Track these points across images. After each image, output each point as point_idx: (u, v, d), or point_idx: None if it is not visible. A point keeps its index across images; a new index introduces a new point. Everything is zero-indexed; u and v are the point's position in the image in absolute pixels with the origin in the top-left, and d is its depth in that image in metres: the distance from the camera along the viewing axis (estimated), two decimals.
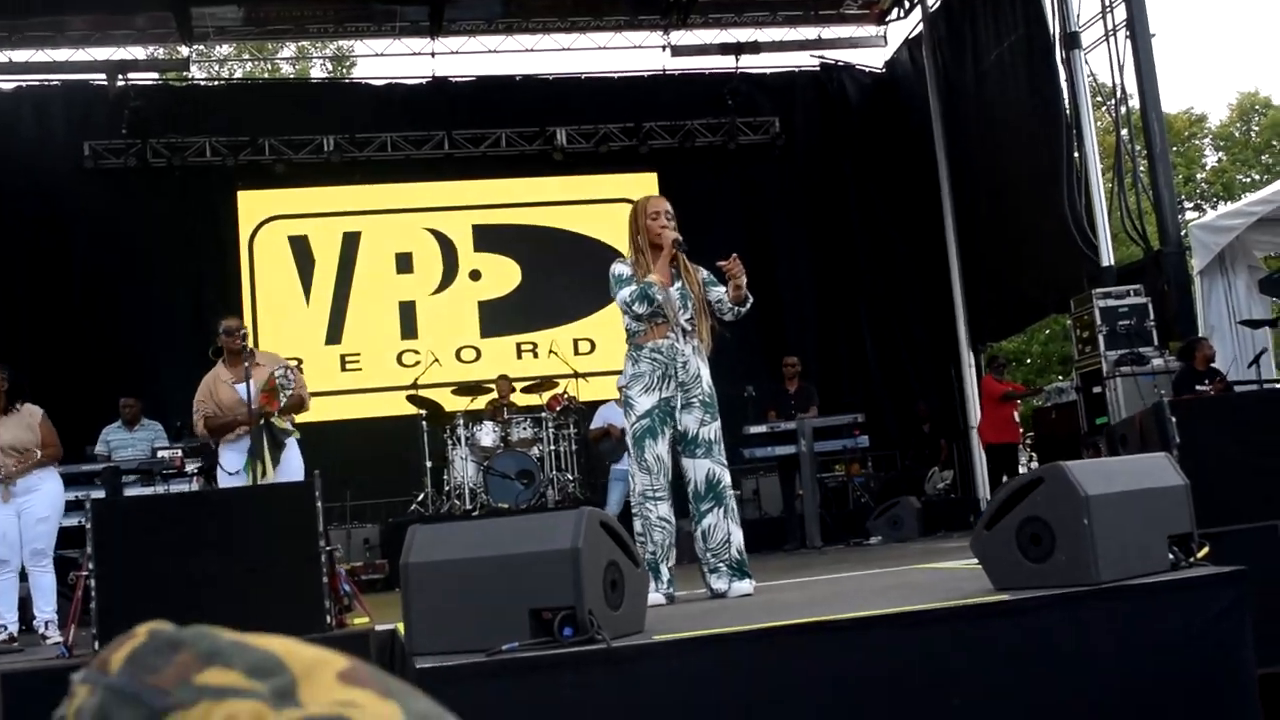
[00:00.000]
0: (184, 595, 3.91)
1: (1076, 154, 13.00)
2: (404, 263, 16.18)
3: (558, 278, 16.10)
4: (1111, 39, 12.70)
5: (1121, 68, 12.59)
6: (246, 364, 7.42)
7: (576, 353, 15.63)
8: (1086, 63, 13.12)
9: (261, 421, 7.24)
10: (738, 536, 5.57)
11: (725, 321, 5.86)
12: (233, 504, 4.37)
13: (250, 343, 7.82)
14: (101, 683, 0.83)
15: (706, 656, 3.62)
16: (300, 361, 8.32)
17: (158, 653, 0.84)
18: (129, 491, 9.64)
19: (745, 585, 5.49)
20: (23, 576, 7.81)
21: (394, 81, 17.18)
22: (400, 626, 3.86)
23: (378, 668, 0.86)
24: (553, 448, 12.78)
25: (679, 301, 5.67)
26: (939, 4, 16.51)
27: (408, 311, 16.08)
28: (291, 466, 7.36)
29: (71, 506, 8.24)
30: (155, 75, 16.82)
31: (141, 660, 0.84)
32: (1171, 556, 4.23)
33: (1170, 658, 3.94)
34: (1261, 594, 4.32)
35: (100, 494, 9.38)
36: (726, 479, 5.63)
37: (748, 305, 5.76)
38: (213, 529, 4.06)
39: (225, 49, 20.19)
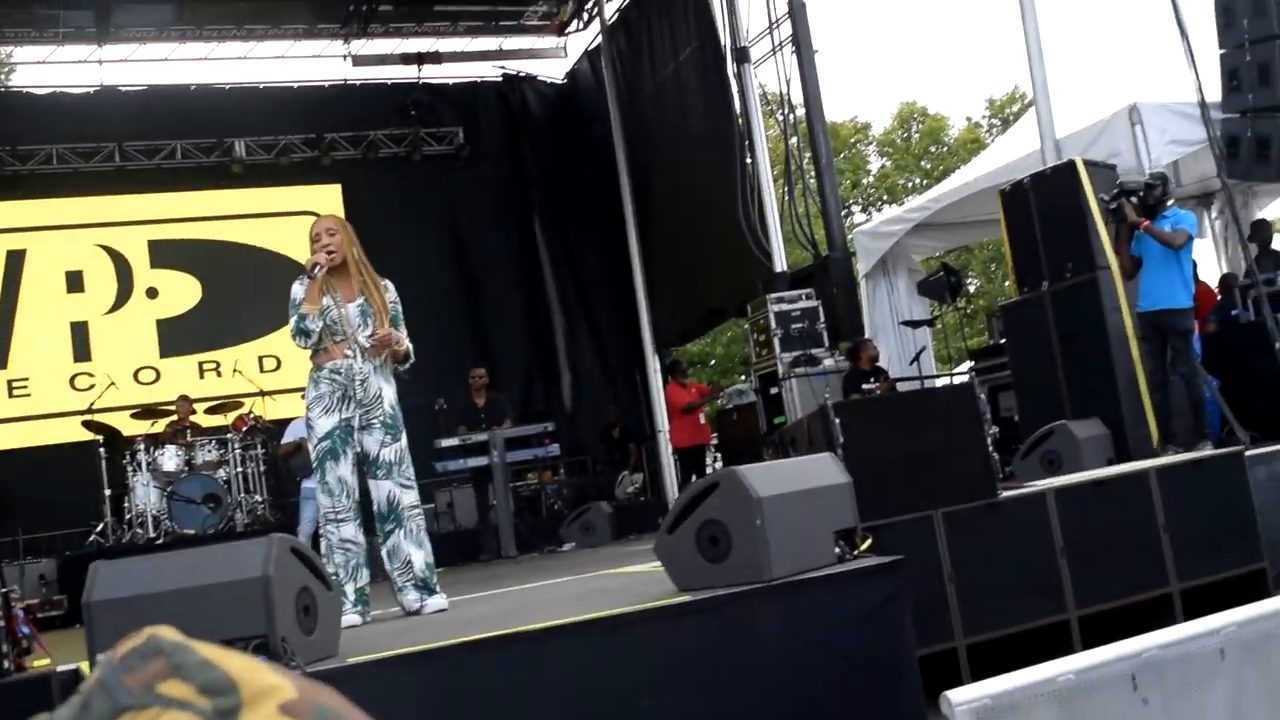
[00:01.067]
0: None
1: (749, 163, 13.52)
2: (75, 281, 15.44)
3: (240, 294, 15.67)
4: (779, 53, 13.27)
5: (788, 81, 13.18)
6: None
7: (262, 370, 15.30)
8: (756, 75, 13.67)
9: None
10: (419, 557, 5.59)
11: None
12: None
13: None
14: (100, 670, 0.92)
15: (401, 676, 3.66)
16: None
17: (142, 656, 0.93)
18: None
19: (438, 600, 5.53)
20: None
21: (59, 90, 16.37)
22: (85, 666, 3.73)
23: (339, 700, 0.95)
24: (240, 469, 12.41)
25: (358, 319, 5.63)
26: (616, 17, 16.89)
27: (80, 332, 15.35)
28: None
29: None
30: None
31: (128, 659, 0.93)
32: (837, 550, 4.51)
33: (839, 645, 4.21)
34: (918, 581, 4.66)
35: None
36: (407, 499, 5.63)
37: (409, 362, 5.80)
38: None
39: None
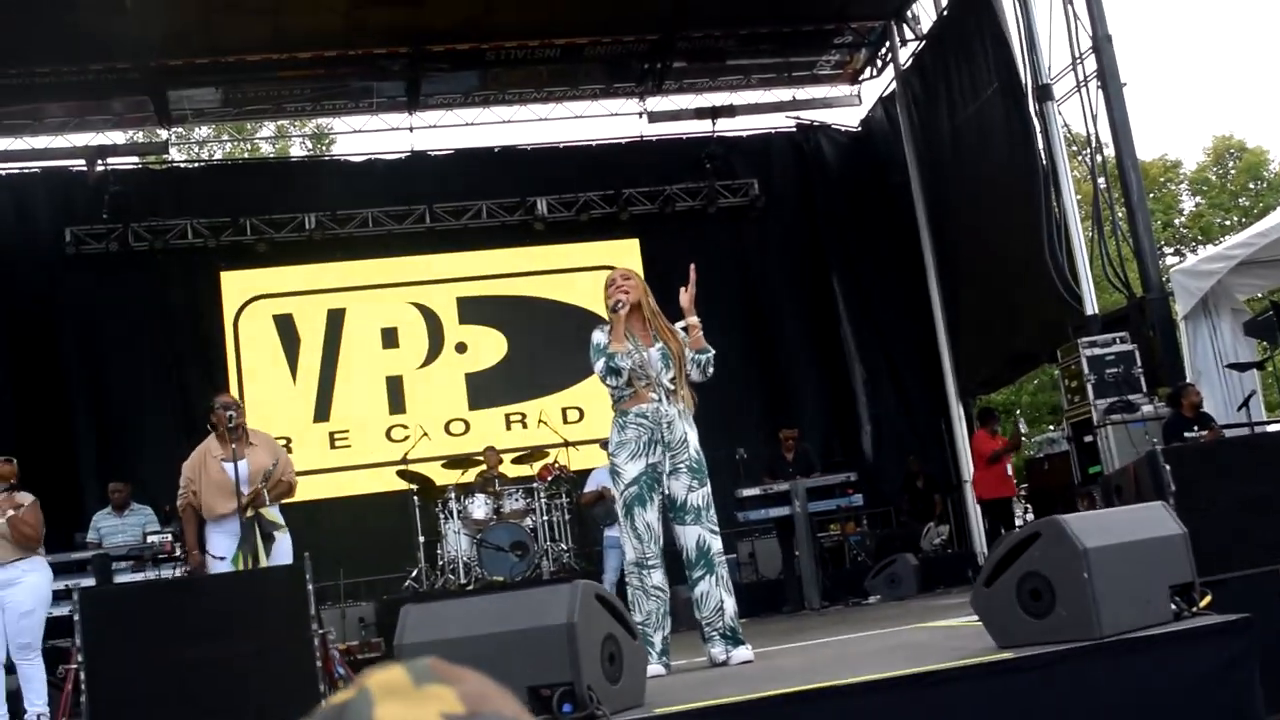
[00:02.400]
0: (177, 683, 3.84)
1: (1055, 204, 13.05)
2: (389, 337, 16.17)
3: (543, 347, 16.08)
4: (1084, 89, 12.79)
5: (1095, 117, 12.67)
6: (235, 444, 7.32)
7: (565, 421, 15.58)
8: (1060, 114, 13.22)
9: (250, 514, 7.12)
10: (730, 604, 5.50)
11: (697, 384, 5.83)
12: (224, 590, 4.30)
13: (243, 420, 7.64)
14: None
15: None
16: (289, 441, 8.20)
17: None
18: (120, 578, 9.58)
19: (744, 652, 5.42)
20: (10, 669, 7.69)
21: (373, 157, 17.26)
22: None
23: None
24: (545, 518, 12.67)
25: (660, 363, 5.64)
26: (911, 62, 16.66)
27: (395, 386, 16.04)
28: (281, 552, 7.24)
29: (60, 596, 8.14)
30: (135, 159, 16.82)
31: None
32: (1174, 607, 4.19)
33: (1179, 709, 3.89)
34: (1266, 641, 4.27)
35: (90, 582, 9.31)
36: (717, 545, 5.56)
37: (709, 358, 5.74)
38: (205, 615, 3.99)
39: (204, 130, 20.24)
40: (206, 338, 15.66)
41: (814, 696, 3.65)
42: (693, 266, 5.85)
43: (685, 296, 5.81)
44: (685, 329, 5.79)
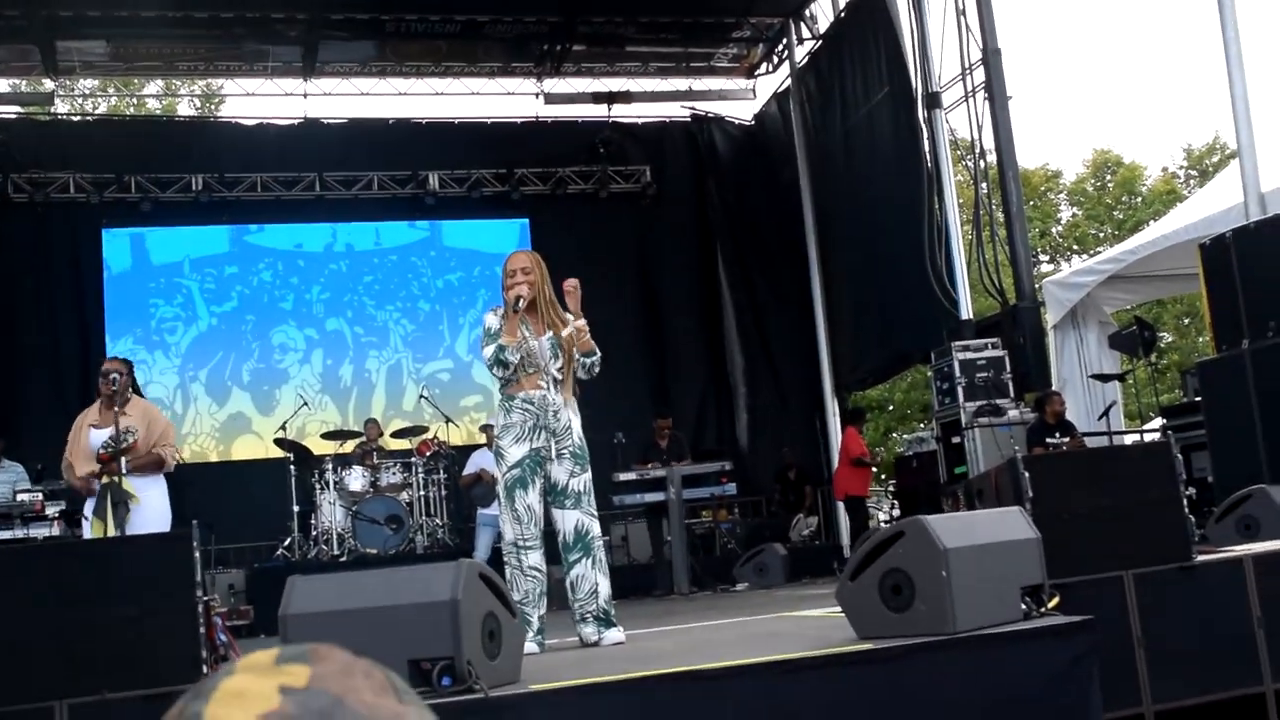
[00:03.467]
0: (55, 648, 3.88)
1: (938, 209, 13.36)
2: None
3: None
4: (971, 99, 13.12)
5: (980, 127, 13.01)
6: (116, 410, 7.27)
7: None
8: (947, 121, 13.53)
9: (104, 481, 7.09)
10: (604, 587, 5.66)
11: (582, 381, 5.96)
12: (105, 553, 4.33)
13: (124, 385, 7.48)
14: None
15: (582, 706, 3.70)
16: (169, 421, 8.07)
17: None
18: None
19: (615, 634, 5.58)
20: None
21: (265, 121, 17.07)
22: None
23: None
24: (422, 493, 12.72)
25: (549, 352, 5.75)
26: (807, 60, 16.92)
27: None
28: (148, 519, 7.17)
29: None
30: (18, 108, 16.44)
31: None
32: (1024, 606, 4.42)
33: (1024, 704, 4.12)
34: (1106, 642, 4.54)
35: None
36: (595, 529, 5.72)
37: (595, 361, 5.87)
38: (85, 579, 4.03)
39: (90, 83, 19.82)
40: (85, 295, 15.38)
41: (686, 678, 3.81)
42: (575, 283, 5.90)
43: (570, 300, 5.89)
44: (573, 331, 5.86)
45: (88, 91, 19.25)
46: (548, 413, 5.68)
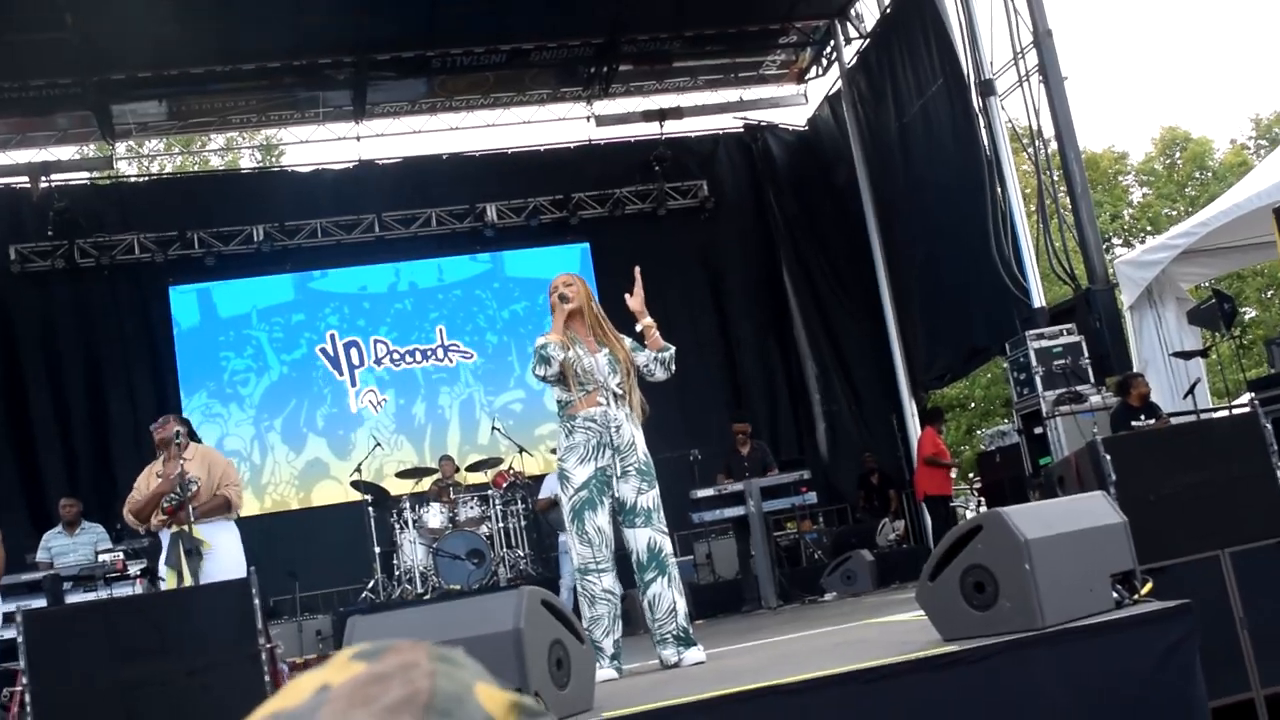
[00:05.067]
0: (122, 703, 3.82)
1: (1001, 198, 13.14)
2: None
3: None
4: (1026, 84, 12.89)
5: (1038, 112, 12.78)
6: (168, 461, 7.36)
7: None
8: (1003, 108, 13.30)
9: (174, 530, 7.16)
10: (682, 605, 5.51)
11: (659, 382, 5.85)
12: (168, 606, 4.28)
13: (166, 434, 7.63)
14: None
15: None
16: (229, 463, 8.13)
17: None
18: (72, 598, 9.47)
19: (696, 653, 5.42)
20: None
21: (321, 167, 17.19)
22: None
23: None
24: (501, 525, 12.66)
25: (607, 368, 5.64)
26: (856, 60, 16.74)
27: None
28: (223, 567, 7.20)
29: (11, 619, 8.04)
30: (82, 175, 16.67)
31: None
32: (1116, 595, 4.23)
33: (1123, 697, 3.93)
34: (1206, 626, 4.32)
35: (42, 603, 9.22)
36: (668, 547, 5.57)
37: (670, 355, 5.78)
38: (149, 633, 3.97)
39: (154, 144, 20.08)
40: (158, 353, 15.54)
41: (761, 695, 3.67)
42: (637, 269, 5.86)
43: (635, 301, 5.83)
44: (641, 333, 5.81)
45: (151, 153, 19.52)
46: (610, 429, 5.56)
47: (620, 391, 5.65)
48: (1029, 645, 3.87)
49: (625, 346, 5.77)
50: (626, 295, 5.86)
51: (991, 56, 13.33)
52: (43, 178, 15.51)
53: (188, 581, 6.90)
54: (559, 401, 5.70)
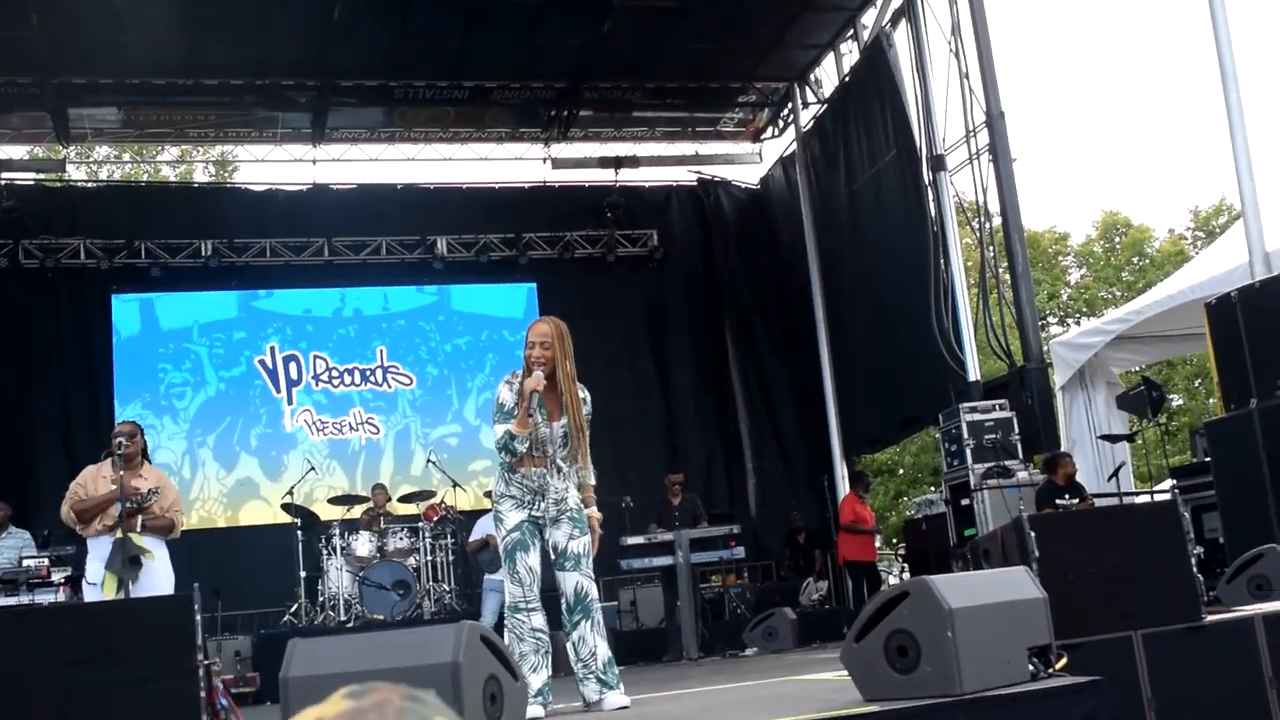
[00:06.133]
0: (56, 712, 3.85)
1: (944, 271, 13.38)
2: None
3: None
4: (976, 162, 13.16)
5: (985, 190, 13.04)
6: (125, 471, 7.37)
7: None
8: (952, 183, 13.57)
9: (119, 535, 7.18)
10: (603, 649, 5.60)
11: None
12: (107, 617, 4.31)
13: (134, 449, 7.72)
14: None
15: None
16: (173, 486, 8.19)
17: None
18: None
19: (617, 697, 5.51)
20: None
21: (275, 187, 17.19)
22: None
23: None
24: (429, 558, 12.63)
25: (560, 440, 5.72)
26: (812, 124, 17.02)
27: None
28: (156, 580, 7.28)
29: None
30: (31, 175, 16.55)
31: None
32: (1032, 667, 4.38)
33: None
34: (1117, 703, 4.48)
35: None
36: (594, 592, 5.69)
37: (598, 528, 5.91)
38: (86, 643, 4.00)
39: (105, 150, 20.00)
40: (95, 360, 15.43)
41: None
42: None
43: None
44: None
45: (102, 158, 19.39)
46: (545, 492, 5.67)
47: (563, 466, 5.74)
48: (948, 710, 4.01)
49: (583, 410, 5.81)
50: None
51: (945, 132, 13.61)
52: None
53: (128, 588, 6.93)
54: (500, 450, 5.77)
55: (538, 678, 5.49)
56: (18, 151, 16.30)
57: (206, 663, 3.93)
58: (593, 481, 5.94)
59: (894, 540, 23.04)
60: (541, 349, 5.71)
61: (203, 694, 3.87)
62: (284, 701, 3.73)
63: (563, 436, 5.73)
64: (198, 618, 3.93)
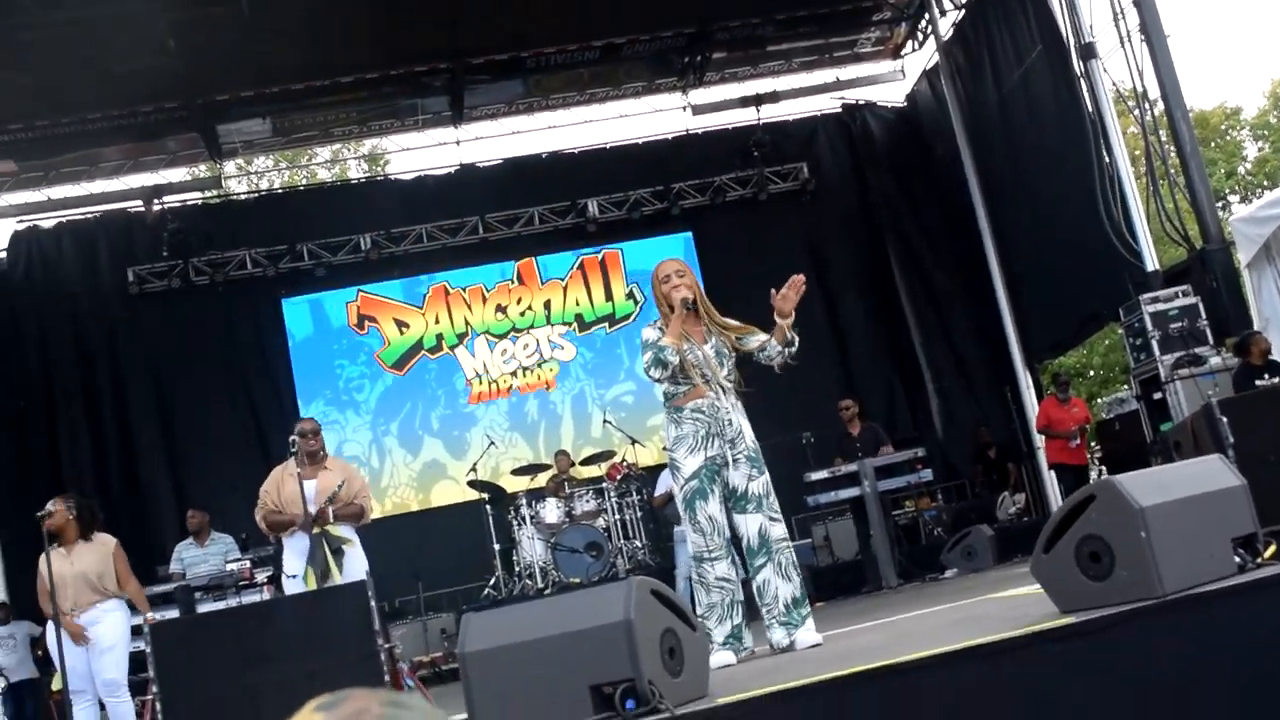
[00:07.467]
0: (246, 707, 3.92)
1: (1108, 162, 12.89)
2: None
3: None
4: (1127, 45, 12.62)
5: (1141, 72, 12.50)
6: (310, 466, 7.61)
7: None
8: (1106, 71, 13.05)
9: (316, 530, 7.37)
10: (786, 590, 5.45)
11: (777, 369, 5.75)
12: (287, 612, 4.38)
13: (314, 445, 8.04)
14: None
15: (771, 713, 3.57)
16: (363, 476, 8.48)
17: None
18: (204, 607, 9.74)
19: (809, 635, 5.39)
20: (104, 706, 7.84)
21: (423, 173, 17.39)
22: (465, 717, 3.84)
23: None
24: (618, 517, 12.73)
25: (716, 359, 5.61)
26: (952, 32, 16.51)
27: None
28: (355, 568, 7.45)
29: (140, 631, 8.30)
30: (194, 195, 17.04)
31: None
32: (1238, 560, 4.12)
33: (1250, 664, 3.82)
34: None
35: (174, 614, 9.49)
36: (778, 532, 5.53)
37: (795, 348, 5.67)
38: (269, 639, 4.07)
39: (262, 161, 20.49)
40: (274, 365, 15.88)
41: (875, 676, 3.64)
42: (801, 278, 5.70)
43: (786, 303, 5.64)
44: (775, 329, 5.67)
45: (261, 170, 19.89)
46: (719, 420, 5.54)
47: (728, 384, 5.63)
48: (1148, 615, 3.79)
49: (732, 334, 5.72)
50: (776, 293, 5.66)
51: (1091, 19, 13.08)
52: (155, 200, 15.92)
53: (335, 577, 7.10)
54: (665, 393, 5.69)
55: (727, 625, 5.42)
56: (176, 175, 16.81)
57: (388, 646, 3.94)
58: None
59: (1093, 444, 22.41)
60: (678, 277, 5.68)
61: (386, 676, 3.89)
62: (464, 676, 3.73)
63: (717, 354, 5.62)
64: (373, 603, 3.95)
